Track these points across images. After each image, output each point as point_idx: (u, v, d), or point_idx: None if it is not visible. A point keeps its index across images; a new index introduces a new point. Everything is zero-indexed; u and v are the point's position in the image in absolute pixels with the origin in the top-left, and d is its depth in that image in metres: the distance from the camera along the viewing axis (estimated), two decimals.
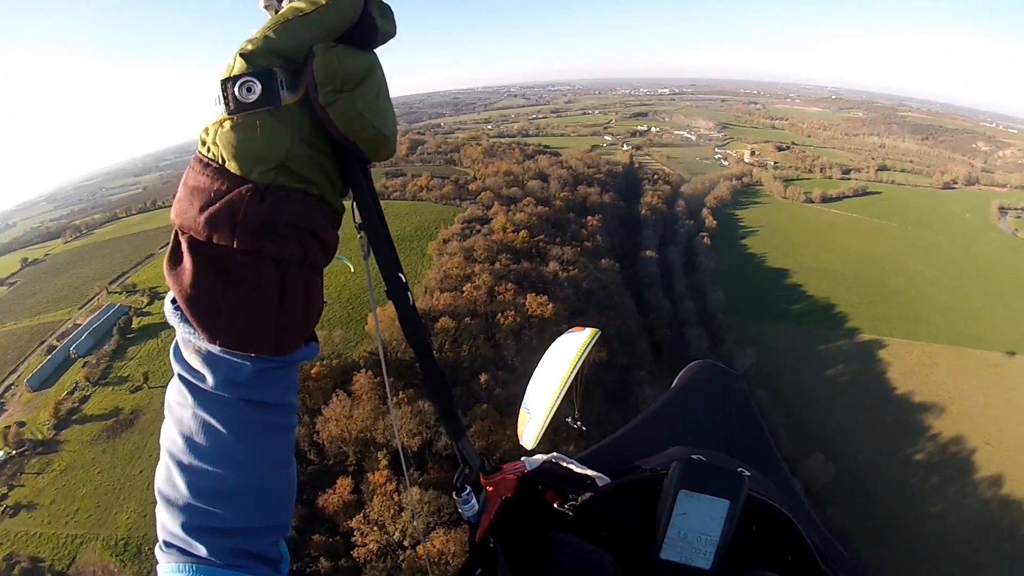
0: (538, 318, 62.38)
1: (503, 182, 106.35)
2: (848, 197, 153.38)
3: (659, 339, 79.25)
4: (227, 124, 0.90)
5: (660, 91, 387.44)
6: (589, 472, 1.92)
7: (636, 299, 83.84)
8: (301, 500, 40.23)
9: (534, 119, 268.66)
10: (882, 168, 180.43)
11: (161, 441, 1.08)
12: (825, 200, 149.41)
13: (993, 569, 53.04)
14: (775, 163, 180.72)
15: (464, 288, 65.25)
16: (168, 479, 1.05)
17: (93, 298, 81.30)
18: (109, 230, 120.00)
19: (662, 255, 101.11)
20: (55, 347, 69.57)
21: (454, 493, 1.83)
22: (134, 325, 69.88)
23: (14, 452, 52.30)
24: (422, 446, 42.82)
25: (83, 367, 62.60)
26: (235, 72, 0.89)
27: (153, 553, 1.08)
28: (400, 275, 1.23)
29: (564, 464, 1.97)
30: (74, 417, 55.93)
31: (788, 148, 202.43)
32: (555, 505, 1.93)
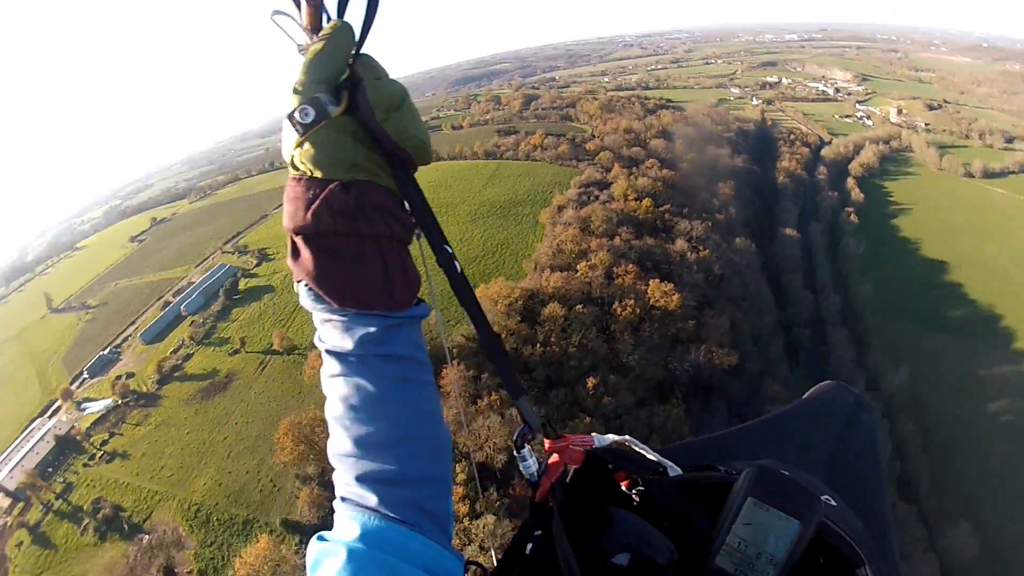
0: (660, 310, 54.55)
1: (623, 140, 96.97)
2: (1014, 173, 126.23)
3: (796, 340, 69.53)
4: (305, 145, 1.17)
5: (788, 37, 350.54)
6: (661, 460, 1.87)
7: (772, 287, 73.81)
8: None
9: (653, 70, 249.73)
10: None
11: (327, 417, 1.33)
12: (987, 175, 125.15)
13: None
14: (926, 125, 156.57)
15: (578, 267, 58.41)
16: (339, 442, 1.29)
17: (208, 257, 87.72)
18: (230, 191, 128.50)
19: (803, 233, 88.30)
20: (170, 303, 74.70)
21: (514, 450, 1.89)
22: (240, 287, 73.96)
23: (120, 401, 56.93)
24: (508, 462, 37.17)
25: (190, 325, 66.50)
26: (294, 106, 1.17)
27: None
28: (446, 247, 1.42)
29: (637, 448, 1.94)
30: (176, 374, 59.30)
31: (940, 107, 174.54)
32: (623, 487, 1.89)
